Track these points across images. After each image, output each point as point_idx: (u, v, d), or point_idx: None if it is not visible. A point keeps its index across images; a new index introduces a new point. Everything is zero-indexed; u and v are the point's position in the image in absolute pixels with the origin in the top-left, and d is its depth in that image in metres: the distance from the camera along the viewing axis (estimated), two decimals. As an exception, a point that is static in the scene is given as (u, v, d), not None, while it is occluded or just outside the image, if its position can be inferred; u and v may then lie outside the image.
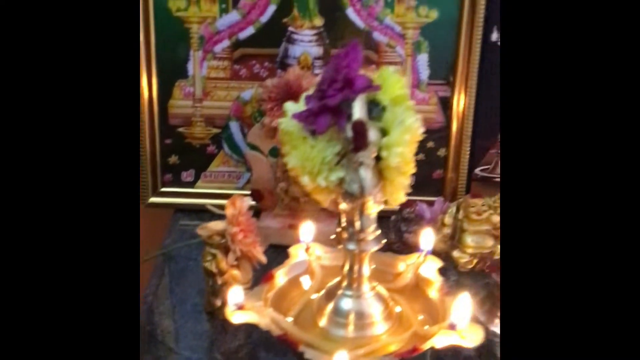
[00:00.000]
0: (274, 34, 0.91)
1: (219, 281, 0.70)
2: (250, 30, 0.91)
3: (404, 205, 0.87)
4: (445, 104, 0.94)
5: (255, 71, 0.93)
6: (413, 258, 0.60)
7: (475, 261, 0.85)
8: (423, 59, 0.92)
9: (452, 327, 0.50)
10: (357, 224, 0.50)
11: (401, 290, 0.59)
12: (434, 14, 0.90)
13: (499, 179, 0.98)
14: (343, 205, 0.51)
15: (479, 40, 0.89)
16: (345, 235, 0.53)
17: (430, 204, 0.93)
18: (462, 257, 0.86)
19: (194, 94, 0.94)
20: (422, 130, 0.50)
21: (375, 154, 0.47)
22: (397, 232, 0.86)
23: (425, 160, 0.97)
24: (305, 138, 0.49)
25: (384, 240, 0.56)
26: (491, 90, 0.93)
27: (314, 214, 0.90)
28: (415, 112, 0.51)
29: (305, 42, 0.92)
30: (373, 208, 0.50)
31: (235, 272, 0.71)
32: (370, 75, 0.50)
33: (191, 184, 0.98)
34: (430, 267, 0.60)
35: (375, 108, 0.48)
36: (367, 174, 0.45)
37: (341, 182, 0.48)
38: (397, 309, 0.57)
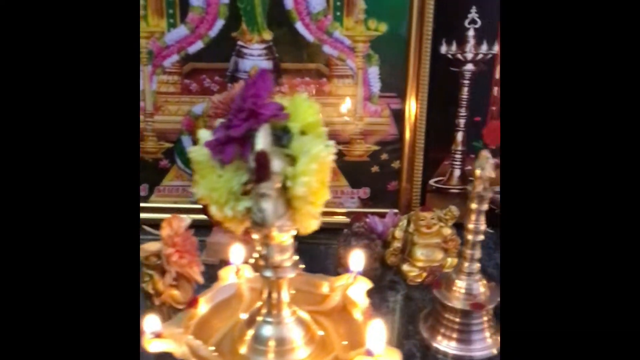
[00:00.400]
0: (223, 48, 0.91)
1: (157, 302, 0.70)
2: (199, 45, 0.91)
3: (354, 219, 0.87)
4: (398, 116, 0.94)
5: (205, 85, 0.93)
6: (343, 279, 0.60)
7: (424, 275, 0.85)
8: (374, 71, 0.92)
9: (369, 353, 0.50)
10: (267, 252, 0.50)
11: (329, 312, 0.59)
12: (383, 27, 0.90)
13: (453, 190, 0.98)
14: (255, 234, 0.51)
15: (428, 53, 0.89)
16: (261, 262, 0.53)
17: (383, 216, 0.93)
18: (411, 271, 0.85)
19: (145, 108, 0.94)
20: (332, 157, 0.50)
21: (280, 184, 0.47)
22: (347, 246, 0.85)
23: (379, 172, 0.97)
24: (214, 167, 0.48)
25: (302, 266, 0.55)
26: (442, 102, 0.93)
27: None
28: (327, 139, 0.51)
29: (255, 56, 0.92)
30: (280, 237, 0.49)
31: (175, 292, 0.70)
32: (282, 102, 0.50)
33: (145, 199, 0.98)
34: (360, 289, 0.59)
35: (285, 136, 0.48)
36: (268, 206, 0.45)
37: (249, 211, 0.48)
38: (320, 333, 0.57)
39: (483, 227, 0.68)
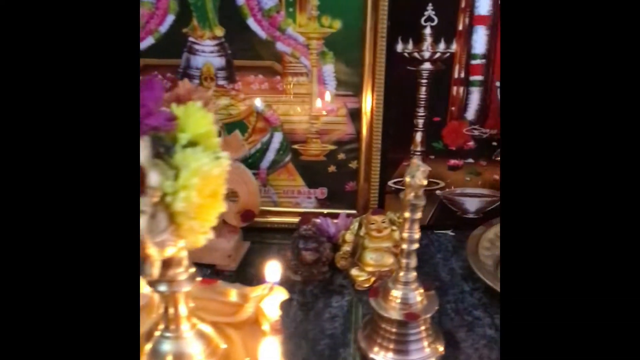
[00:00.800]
0: (174, 44, 0.89)
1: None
2: (150, 41, 0.89)
3: (302, 221, 0.85)
4: (355, 116, 0.92)
5: (158, 82, 0.91)
6: (258, 290, 0.58)
7: (373, 280, 0.83)
8: (329, 69, 0.90)
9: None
10: (145, 269, 0.47)
11: (241, 325, 0.57)
12: (337, 24, 0.87)
13: (413, 192, 0.96)
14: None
15: (384, 51, 0.86)
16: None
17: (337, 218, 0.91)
18: (359, 276, 0.83)
19: (96, 105, 0.92)
20: (223, 170, 0.48)
21: (159, 199, 0.44)
22: (294, 250, 0.84)
23: (337, 173, 0.95)
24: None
25: (199, 278, 0.53)
26: (400, 102, 0.90)
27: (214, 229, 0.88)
28: (220, 150, 0.48)
29: (207, 53, 0.89)
30: (161, 253, 0.47)
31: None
32: (176, 111, 0.47)
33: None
34: (275, 301, 0.57)
35: (170, 148, 0.46)
36: (142, 222, 0.43)
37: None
38: (223, 346, 0.55)
39: (417, 235, 0.66)
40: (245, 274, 0.86)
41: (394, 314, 0.68)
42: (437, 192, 0.95)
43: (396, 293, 0.68)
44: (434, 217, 0.96)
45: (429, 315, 0.69)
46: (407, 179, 0.62)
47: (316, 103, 0.91)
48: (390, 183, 0.95)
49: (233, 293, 0.59)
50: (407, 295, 0.68)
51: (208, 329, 0.54)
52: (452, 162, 0.93)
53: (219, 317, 0.57)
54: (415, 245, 0.67)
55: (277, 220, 0.96)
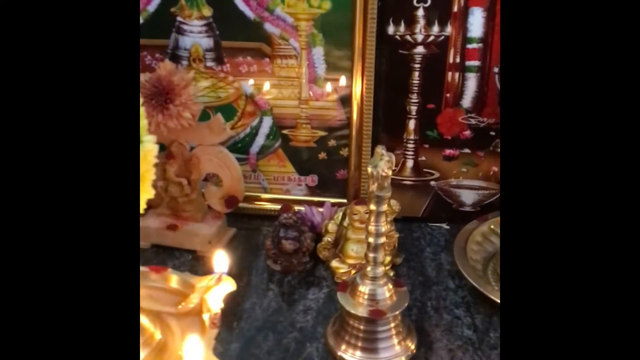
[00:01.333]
0: (163, 24, 0.87)
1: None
2: (137, 20, 0.87)
3: (283, 209, 0.83)
4: (346, 101, 0.88)
5: (147, 62, 0.90)
6: (205, 280, 0.56)
7: (353, 272, 0.80)
8: (318, 52, 0.86)
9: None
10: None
11: (184, 315, 0.55)
12: (326, 5, 0.83)
13: (406, 182, 0.92)
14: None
15: (374, 33, 0.82)
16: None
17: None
18: (340, 268, 0.81)
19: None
20: (144, 154, 0.46)
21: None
22: (274, 238, 0.81)
23: (327, 160, 0.92)
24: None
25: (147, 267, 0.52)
26: (392, 87, 0.86)
27: (198, 215, 0.87)
28: (148, 135, 0.46)
29: (195, 33, 0.87)
30: None
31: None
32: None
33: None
34: (221, 292, 0.55)
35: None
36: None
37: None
38: (159, 337, 0.53)
39: (384, 228, 0.63)
40: (226, 261, 0.84)
41: (361, 311, 0.65)
42: (432, 183, 0.91)
43: (364, 288, 0.66)
44: (429, 209, 0.92)
45: (397, 313, 0.65)
46: (369, 169, 0.59)
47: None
48: (382, 172, 0.91)
49: (180, 282, 0.57)
50: (375, 291, 0.65)
51: (143, 320, 0.52)
52: (448, 152, 0.89)
53: (164, 307, 0.56)
54: (382, 239, 0.64)
55: (266, 207, 0.94)
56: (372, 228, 0.63)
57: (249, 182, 0.94)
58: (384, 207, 0.61)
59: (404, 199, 0.91)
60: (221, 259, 0.56)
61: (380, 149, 0.59)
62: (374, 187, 0.59)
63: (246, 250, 0.87)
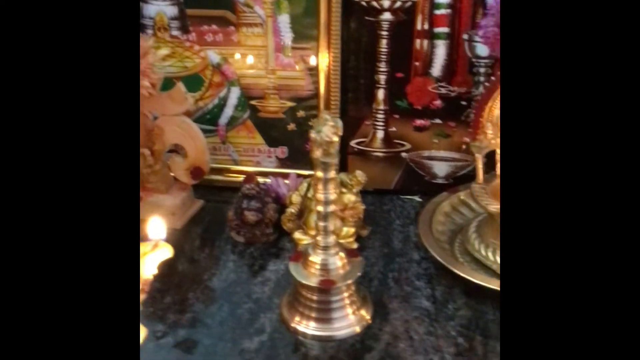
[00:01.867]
0: (126, -8, 0.85)
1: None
2: (100, -11, 0.85)
3: (246, 180, 0.81)
4: (313, 70, 0.86)
5: (112, 32, 0.88)
6: (142, 247, 0.55)
7: (316, 244, 0.79)
8: (284, 20, 0.84)
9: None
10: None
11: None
12: (291, -30, 0.81)
13: (377, 153, 0.90)
14: None
15: (339, 0, 0.80)
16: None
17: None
18: (302, 239, 0.79)
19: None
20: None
21: None
22: (237, 209, 0.80)
23: (297, 131, 0.90)
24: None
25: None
26: (359, 56, 0.84)
27: (162, 186, 0.86)
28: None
29: (159, 1, 0.86)
30: None
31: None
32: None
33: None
34: (157, 258, 0.54)
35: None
36: None
37: None
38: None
39: (333, 196, 0.61)
40: (190, 233, 0.84)
41: (313, 280, 0.64)
42: (403, 154, 0.89)
43: (315, 258, 0.64)
44: (400, 181, 0.90)
45: (349, 282, 0.64)
46: (313, 135, 0.57)
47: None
48: (352, 143, 0.90)
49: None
50: (326, 260, 0.64)
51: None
52: (418, 122, 0.87)
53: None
54: (332, 207, 0.62)
55: (236, 179, 0.93)
56: (320, 196, 0.61)
57: (218, 154, 0.92)
58: (332, 174, 0.60)
59: (375, 171, 0.89)
60: (157, 226, 0.55)
61: (325, 114, 0.57)
62: (318, 153, 0.58)
63: (212, 222, 0.86)
